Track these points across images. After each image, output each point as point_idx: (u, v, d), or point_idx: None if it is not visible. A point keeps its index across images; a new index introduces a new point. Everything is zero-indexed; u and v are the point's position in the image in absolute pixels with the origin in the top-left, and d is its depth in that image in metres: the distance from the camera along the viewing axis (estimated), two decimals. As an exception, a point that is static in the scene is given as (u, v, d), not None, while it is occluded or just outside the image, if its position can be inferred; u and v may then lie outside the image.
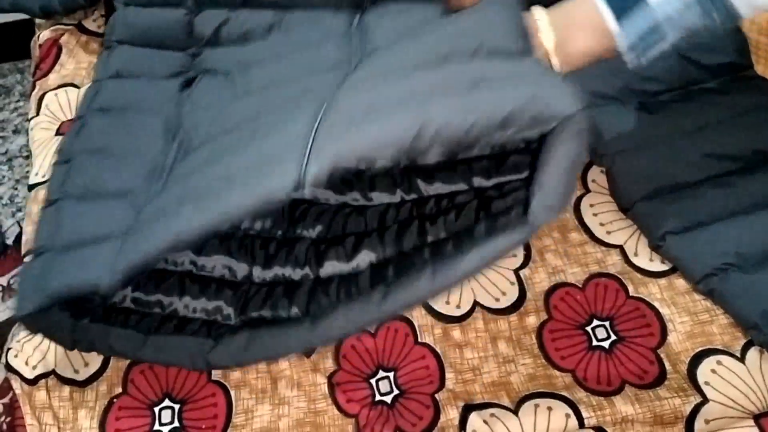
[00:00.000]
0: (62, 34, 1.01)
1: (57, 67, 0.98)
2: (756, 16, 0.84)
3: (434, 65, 0.64)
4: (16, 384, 0.72)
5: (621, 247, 0.79)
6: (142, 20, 0.89)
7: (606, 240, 0.80)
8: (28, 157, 1.58)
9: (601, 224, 0.81)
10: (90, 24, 1.03)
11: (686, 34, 0.61)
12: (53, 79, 0.97)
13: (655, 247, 0.78)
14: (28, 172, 1.57)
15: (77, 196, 0.75)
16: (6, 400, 0.74)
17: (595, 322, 0.75)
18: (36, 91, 0.98)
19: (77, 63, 0.98)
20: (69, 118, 0.93)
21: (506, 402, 0.70)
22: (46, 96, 0.96)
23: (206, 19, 0.87)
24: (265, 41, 0.85)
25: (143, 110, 0.82)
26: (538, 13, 0.65)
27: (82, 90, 0.95)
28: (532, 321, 0.75)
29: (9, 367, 0.73)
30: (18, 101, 1.70)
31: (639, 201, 0.79)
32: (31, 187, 0.87)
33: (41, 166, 0.89)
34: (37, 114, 0.95)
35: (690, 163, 0.79)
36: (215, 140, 0.73)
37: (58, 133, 0.92)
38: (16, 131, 1.65)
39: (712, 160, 0.79)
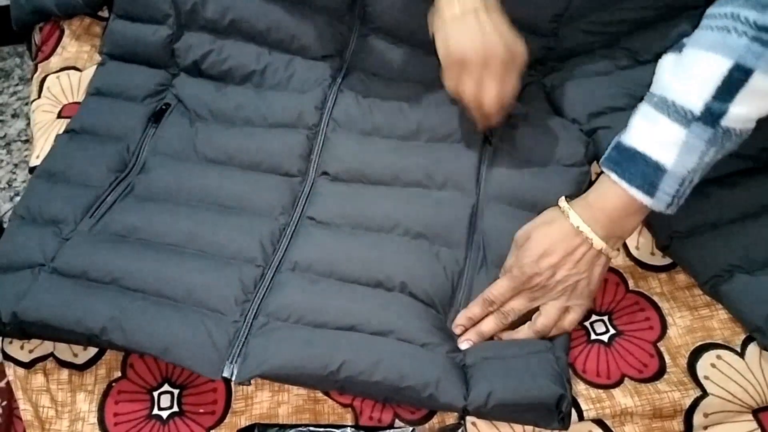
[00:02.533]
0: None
1: (59, 49, 0.98)
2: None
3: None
4: (10, 371, 0.72)
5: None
6: (129, 33, 0.91)
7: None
8: (26, 141, 1.58)
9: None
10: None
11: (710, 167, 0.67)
12: (55, 61, 0.97)
13: (663, 248, 0.78)
14: (26, 156, 1.57)
15: (21, 217, 0.79)
16: (3, 384, 0.74)
17: (594, 317, 0.75)
18: (38, 73, 0.97)
19: (79, 46, 0.98)
20: (71, 101, 0.93)
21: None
22: (48, 78, 0.95)
23: (189, 45, 0.89)
24: (240, 94, 0.87)
25: (108, 137, 0.85)
26: (573, 218, 0.70)
27: (85, 73, 0.95)
28: (533, 313, 0.75)
29: (4, 354, 0.73)
30: (17, 85, 1.69)
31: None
32: (31, 170, 0.87)
33: (42, 149, 0.88)
34: (39, 97, 0.94)
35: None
36: (170, 213, 0.77)
37: (59, 116, 0.91)
38: (15, 115, 1.64)
39: (723, 160, 0.78)
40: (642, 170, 0.66)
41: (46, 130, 0.90)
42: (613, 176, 0.68)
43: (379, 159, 0.81)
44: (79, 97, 0.93)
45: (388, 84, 0.88)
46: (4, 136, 1.60)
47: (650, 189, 0.66)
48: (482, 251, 0.77)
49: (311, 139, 0.82)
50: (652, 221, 0.78)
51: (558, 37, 0.88)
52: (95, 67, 0.93)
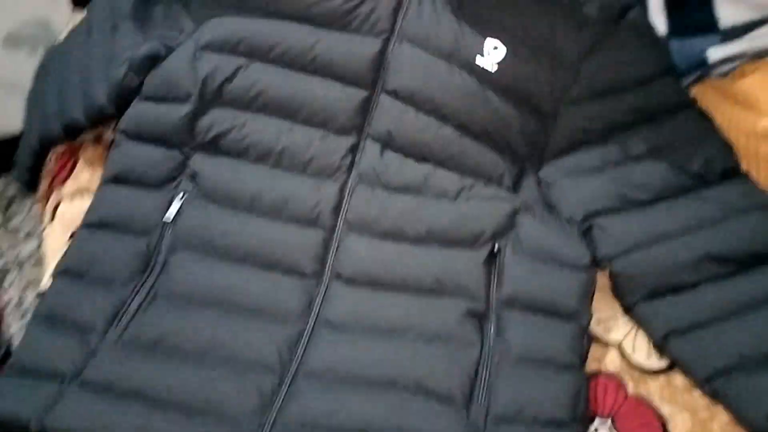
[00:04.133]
0: (79, 147, 1.04)
1: (72, 175, 1.02)
2: (736, 117, 0.89)
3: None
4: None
5: (619, 345, 0.81)
6: (151, 113, 0.93)
7: (605, 337, 0.82)
8: (38, 263, 1.61)
9: (599, 322, 0.83)
10: (108, 134, 1.04)
11: None
12: (68, 187, 1.00)
13: (659, 348, 0.79)
14: (37, 277, 1.60)
15: (45, 318, 0.80)
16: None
17: (597, 421, 0.75)
18: (51, 199, 1.01)
19: (93, 171, 1.01)
20: (82, 225, 0.96)
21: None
22: (61, 204, 0.99)
23: (211, 122, 0.90)
24: (258, 178, 0.88)
25: (128, 231, 0.86)
26: None
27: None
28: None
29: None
30: (31, 206, 1.75)
31: (640, 301, 0.81)
32: (40, 295, 0.89)
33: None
34: (51, 221, 0.98)
35: (687, 265, 0.81)
36: (192, 320, 0.79)
37: (71, 239, 0.94)
38: (28, 235, 1.69)
39: (710, 263, 0.81)
40: None
41: (57, 255, 0.92)
42: None
43: (391, 264, 0.83)
44: (92, 221, 0.96)
45: (401, 171, 0.88)
46: (17, 256, 1.64)
47: None
48: (499, 348, 0.78)
49: (327, 240, 0.85)
50: (646, 319, 0.79)
51: (557, 121, 0.91)
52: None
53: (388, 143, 0.89)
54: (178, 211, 0.87)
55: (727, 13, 0.93)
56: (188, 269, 0.83)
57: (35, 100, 1.09)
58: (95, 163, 1.03)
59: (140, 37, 0.96)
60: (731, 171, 0.88)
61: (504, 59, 0.89)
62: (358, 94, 0.90)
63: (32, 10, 1.64)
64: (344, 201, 0.87)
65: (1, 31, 1.64)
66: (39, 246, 1.65)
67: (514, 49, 0.89)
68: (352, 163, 0.89)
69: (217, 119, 0.90)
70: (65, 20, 1.57)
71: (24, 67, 1.61)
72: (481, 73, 0.89)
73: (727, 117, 0.92)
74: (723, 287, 0.79)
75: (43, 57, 1.16)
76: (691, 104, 0.93)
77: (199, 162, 0.90)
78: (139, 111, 0.93)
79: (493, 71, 0.88)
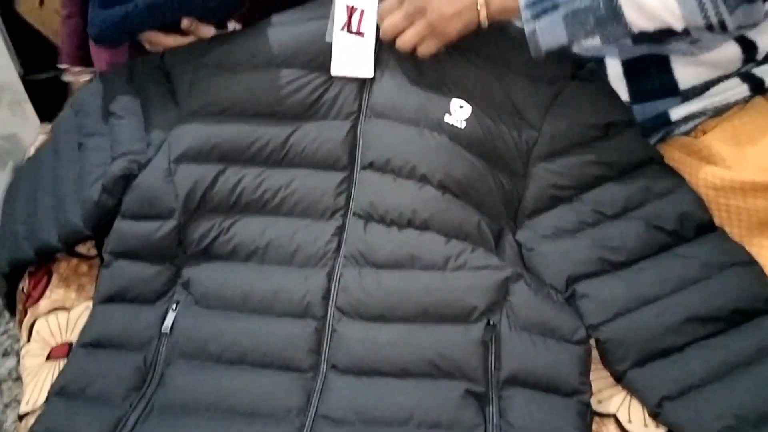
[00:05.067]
0: (52, 263, 1.04)
1: (47, 293, 1.00)
2: (703, 172, 0.91)
3: None
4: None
5: (614, 416, 0.79)
6: (136, 231, 0.93)
7: (599, 410, 0.80)
8: (18, 380, 1.57)
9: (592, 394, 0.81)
10: (80, 247, 1.05)
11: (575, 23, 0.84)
12: (44, 305, 0.99)
13: (654, 415, 0.78)
14: (17, 395, 1.55)
15: None
16: None
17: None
18: (27, 318, 1.00)
19: (67, 287, 1.01)
20: (59, 341, 0.95)
21: None
22: (37, 322, 0.98)
23: (197, 233, 0.91)
24: (246, 278, 0.88)
25: (124, 347, 0.86)
26: None
27: (73, 312, 0.98)
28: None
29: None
30: (8, 323, 1.71)
31: (630, 368, 0.80)
32: (21, 417, 0.87)
33: (31, 395, 0.89)
34: (28, 341, 0.96)
35: (673, 328, 0.81)
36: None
37: (48, 357, 0.93)
38: (6, 354, 1.65)
39: (695, 324, 0.81)
40: None
41: (35, 375, 0.91)
42: None
43: (386, 349, 0.82)
44: (69, 337, 0.94)
45: (387, 243, 0.88)
46: (-5, 375, 1.59)
47: None
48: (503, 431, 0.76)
49: (320, 330, 0.83)
50: (638, 386, 0.78)
51: (527, 181, 0.91)
52: (84, 303, 0.96)
53: (371, 215, 0.89)
54: (173, 321, 0.87)
55: (686, 76, 0.96)
56: (184, 379, 0.82)
57: (4, 224, 1.08)
58: (69, 278, 1.02)
59: (107, 153, 0.97)
60: (706, 226, 0.89)
61: (470, 116, 0.91)
62: (336, 177, 0.91)
63: (0, 126, 1.65)
64: (333, 287, 0.86)
65: (-30, 147, 1.65)
66: (18, 363, 1.61)
67: (479, 108, 0.91)
68: (338, 246, 0.88)
69: (204, 229, 0.91)
70: (34, 134, 1.59)
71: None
72: (451, 131, 0.90)
73: (694, 173, 0.93)
74: (711, 347, 0.79)
75: (11, 178, 1.16)
76: (659, 159, 0.94)
77: (190, 271, 0.91)
78: (123, 230, 0.93)
79: (462, 127, 0.90)
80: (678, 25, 0.83)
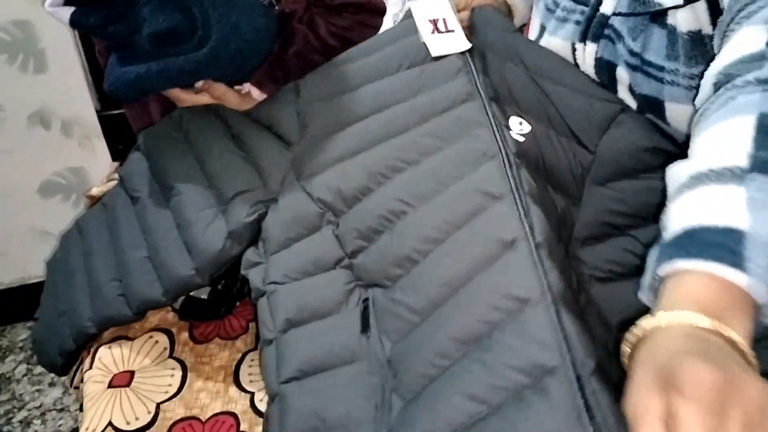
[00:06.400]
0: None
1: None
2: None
3: None
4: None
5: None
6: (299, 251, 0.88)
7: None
8: (62, 410, 1.58)
9: None
10: None
11: None
12: (106, 333, 1.00)
13: None
14: (60, 425, 1.55)
15: None
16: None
17: None
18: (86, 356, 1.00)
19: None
20: (121, 370, 0.95)
21: None
22: (100, 349, 0.98)
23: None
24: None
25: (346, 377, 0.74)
26: (660, 317, 0.51)
27: (136, 341, 0.98)
28: None
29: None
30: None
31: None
32: (77, 443, 0.87)
33: (91, 421, 0.88)
34: (90, 368, 0.97)
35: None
36: None
37: (110, 385, 0.93)
38: (51, 384, 1.66)
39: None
40: (713, 239, 0.51)
41: (96, 401, 0.91)
42: (680, 264, 0.51)
43: None
44: (131, 366, 0.95)
45: None
46: (40, 405, 1.60)
47: (734, 259, 0.49)
48: None
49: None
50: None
51: (582, 204, 0.84)
52: (147, 334, 0.97)
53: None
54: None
55: None
56: None
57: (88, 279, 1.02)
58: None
59: (206, 198, 0.96)
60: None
61: (528, 133, 0.86)
62: None
63: (68, 160, 1.70)
64: None
65: (36, 179, 1.70)
66: (63, 394, 1.62)
67: (537, 128, 0.86)
68: None
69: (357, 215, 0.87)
70: (101, 169, 1.63)
71: (57, 215, 1.66)
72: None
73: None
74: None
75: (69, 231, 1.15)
76: (645, 219, 0.81)
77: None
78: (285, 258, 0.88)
79: (521, 141, 0.84)
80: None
